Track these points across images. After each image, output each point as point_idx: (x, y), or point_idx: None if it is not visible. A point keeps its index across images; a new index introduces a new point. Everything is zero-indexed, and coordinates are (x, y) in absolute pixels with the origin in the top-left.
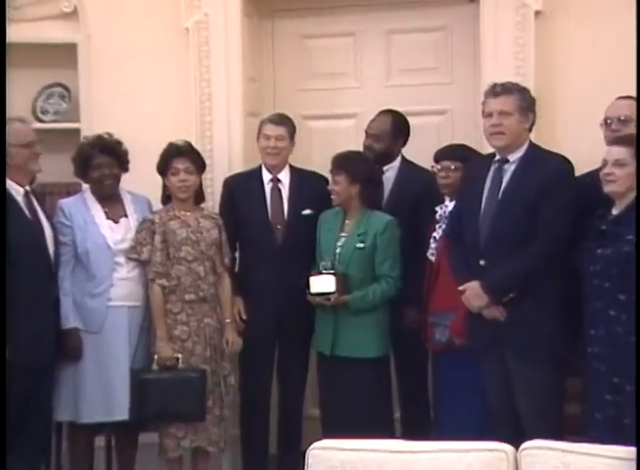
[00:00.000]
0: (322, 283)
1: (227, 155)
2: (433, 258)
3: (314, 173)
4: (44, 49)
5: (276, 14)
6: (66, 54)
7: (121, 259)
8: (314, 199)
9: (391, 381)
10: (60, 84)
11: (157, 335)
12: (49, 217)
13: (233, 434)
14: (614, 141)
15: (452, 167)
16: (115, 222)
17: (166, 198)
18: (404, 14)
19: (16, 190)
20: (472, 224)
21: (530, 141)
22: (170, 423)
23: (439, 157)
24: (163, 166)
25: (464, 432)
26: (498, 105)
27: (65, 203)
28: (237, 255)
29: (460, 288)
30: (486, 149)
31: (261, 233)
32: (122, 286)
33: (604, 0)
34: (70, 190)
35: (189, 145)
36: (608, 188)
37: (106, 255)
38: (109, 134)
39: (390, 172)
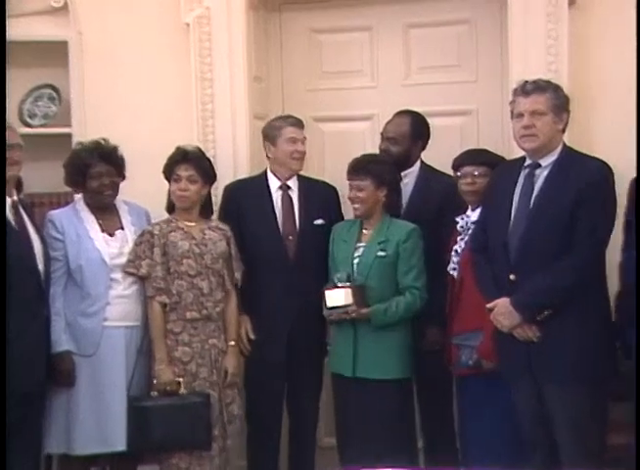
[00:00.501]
0: (338, 296)
1: (232, 161)
2: (455, 274)
3: (322, 182)
4: (31, 47)
5: (284, 7)
6: (55, 52)
7: (118, 275)
8: (325, 208)
9: (414, 407)
10: (49, 85)
11: (155, 357)
12: (38, 230)
13: (239, 465)
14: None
15: (476, 173)
16: (111, 235)
17: (171, 206)
18: (424, 6)
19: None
20: (500, 236)
21: (565, 144)
22: (173, 454)
23: (460, 163)
24: (168, 172)
25: (493, 463)
26: (530, 104)
27: (55, 214)
28: None
29: (488, 306)
30: (515, 153)
31: (271, 245)
32: (119, 304)
33: None
34: (61, 200)
35: (197, 151)
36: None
37: (101, 270)
38: (105, 140)
39: (409, 178)
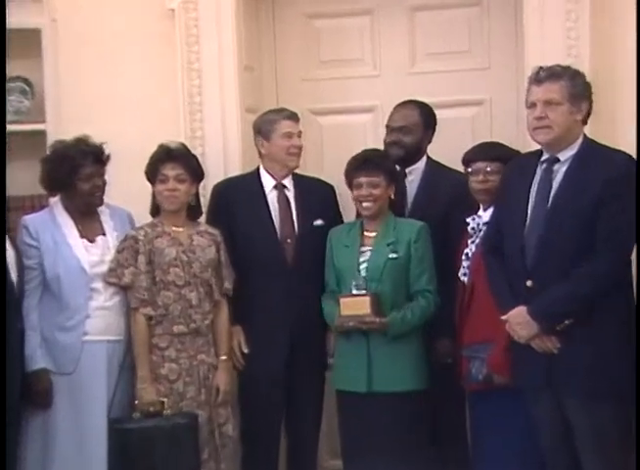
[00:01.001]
0: (356, 305)
1: (222, 159)
2: (465, 280)
3: (317, 179)
4: None
5: None
6: (27, 41)
7: (99, 285)
8: (323, 208)
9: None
10: (20, 78)
11: (138, 375)
12: (11, 237)
13: None
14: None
15: (488, 169)
16: (91, 241)
17: (156, 209)
18: None
19: None
20: (515, 237)
21: (585, 136)
22: None
23: (470, 158)
24: (152, 172)
25: None
26: (543, 93)
27: (30, 219)
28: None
29: (504, 317)
30: (532, 148)
31: (267, 249)
32: (100, 317)
33: None
34: (36, 204)
35: (183, 148)
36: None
37: (80, 280)
38: (87, 137)
39: (414, 175)
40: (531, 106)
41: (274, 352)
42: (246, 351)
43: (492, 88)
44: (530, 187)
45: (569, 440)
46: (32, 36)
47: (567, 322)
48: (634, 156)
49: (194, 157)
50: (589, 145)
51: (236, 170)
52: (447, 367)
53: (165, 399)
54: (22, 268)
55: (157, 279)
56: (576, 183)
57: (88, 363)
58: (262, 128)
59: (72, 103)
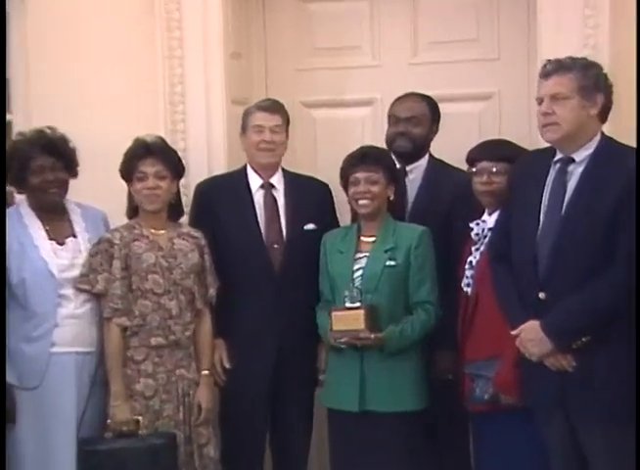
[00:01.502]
0: (350, 319)
1: (206, 155)
2: (469, 290)
3: (312, 178)
4: None
5: None
6: None
7: (68, 292)
8: (317, 211)
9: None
10: None
11: (111, 391)
12: None
13: None
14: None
15: (494, 170)
16: (61, 244)
17: (133, 211)
18: None
19: None
20: (526, 245)
21: (603, 134)
22: None
23: (475, 157)
24: (128, 170)
25: None
26: (550, 87)
27: None
28: None
29: (513, 332)
30: (545, 145)
31: (253, 255)
32: (70, 326)
33: None
34: None
35: (161, 142)
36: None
37: (48, 285)
38: (51, 128)
39: (415, 174)
40: (540, 102)
41: (259, 367)
42: (227, 366)
43: (501, 81)
44: (543, 189)
45: (582, 464)
46: None
47: (584, 339)
48: None
49: (173, 151)
50: (608, 144)
51: (221, 168)
52: (448, 384)
53: (140, 418)
54: None
55: (133, 286)
56: (594, 186)
57: (55, 377)
58: (242, 121)
59: (42, 93)
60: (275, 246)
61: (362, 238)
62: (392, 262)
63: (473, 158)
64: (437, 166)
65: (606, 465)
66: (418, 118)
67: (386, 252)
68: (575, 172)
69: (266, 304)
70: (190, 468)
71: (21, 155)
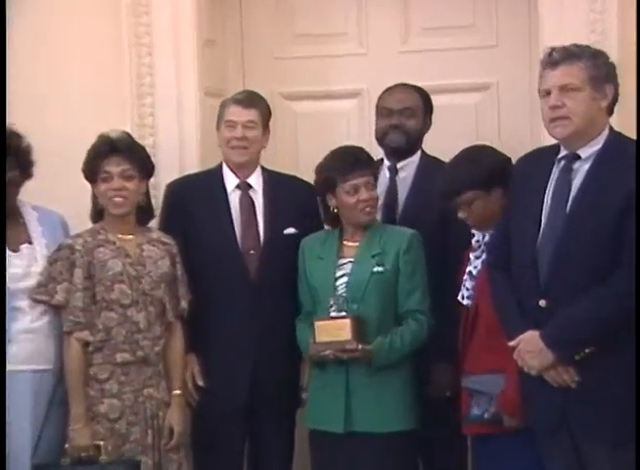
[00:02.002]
0: (334, 330)
1: (177, 151)
2: (468, 303)
3: (295, 178)
4: None
5: None
6: None
7: (23, 303)
8: (299, 214)
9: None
10: None
11: (71, 413)
12: None
13: None
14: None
15: (466, 200)
16: (14, 250)
17: (97, 214)
18: None
19: None
20: (527, 249)
21: (612, 128)
22: None
23: (446, 196)
24: (91, 169)
25: None
26: (558, 78)
27: None
28: None
29: (511, 343)
30: (547, 142)
31: (227, 262)
32: (25, 342)
33: None
34: None
35: (127, 137)
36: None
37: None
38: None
39: (407, 171)
40: (546, 94)
41: (235, 384)
42: (201, 383)
43: (500, 70)
44: (546, 189)
45: None
46: None
47: (587, 350)
48: None
49: (141, 147)
50: (616, 140)
51: (193, 166)
52: (445, 402)
53: (102, 443)
54: None
55: (97, 297)
56: (600, 186)
57: (8, 397)
58: (218, 114)
59: None
60: (251, 252)
61: (345, 242)
62: (380, 269)
63: (446, 193)
64: (431, 164)
65: None
66: (412, 110)
67: (373, 257)
68: (581, 170)
69: (242, 310)
70: None
71: None
